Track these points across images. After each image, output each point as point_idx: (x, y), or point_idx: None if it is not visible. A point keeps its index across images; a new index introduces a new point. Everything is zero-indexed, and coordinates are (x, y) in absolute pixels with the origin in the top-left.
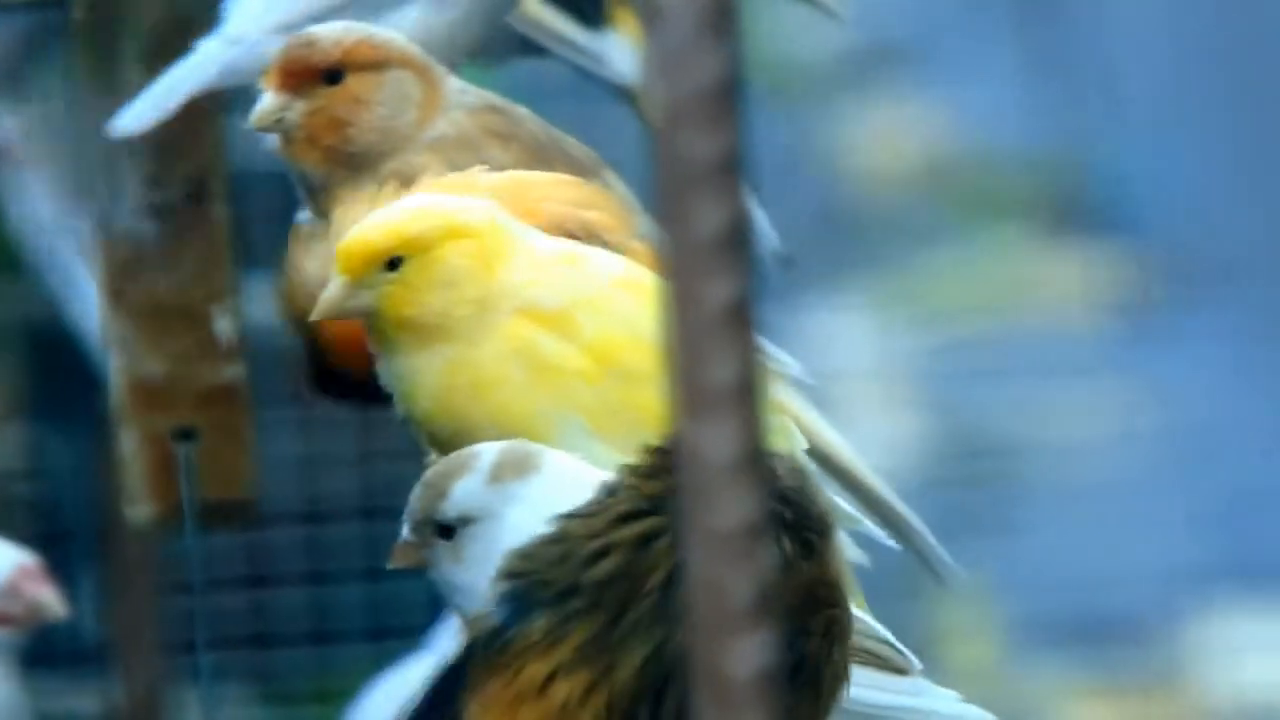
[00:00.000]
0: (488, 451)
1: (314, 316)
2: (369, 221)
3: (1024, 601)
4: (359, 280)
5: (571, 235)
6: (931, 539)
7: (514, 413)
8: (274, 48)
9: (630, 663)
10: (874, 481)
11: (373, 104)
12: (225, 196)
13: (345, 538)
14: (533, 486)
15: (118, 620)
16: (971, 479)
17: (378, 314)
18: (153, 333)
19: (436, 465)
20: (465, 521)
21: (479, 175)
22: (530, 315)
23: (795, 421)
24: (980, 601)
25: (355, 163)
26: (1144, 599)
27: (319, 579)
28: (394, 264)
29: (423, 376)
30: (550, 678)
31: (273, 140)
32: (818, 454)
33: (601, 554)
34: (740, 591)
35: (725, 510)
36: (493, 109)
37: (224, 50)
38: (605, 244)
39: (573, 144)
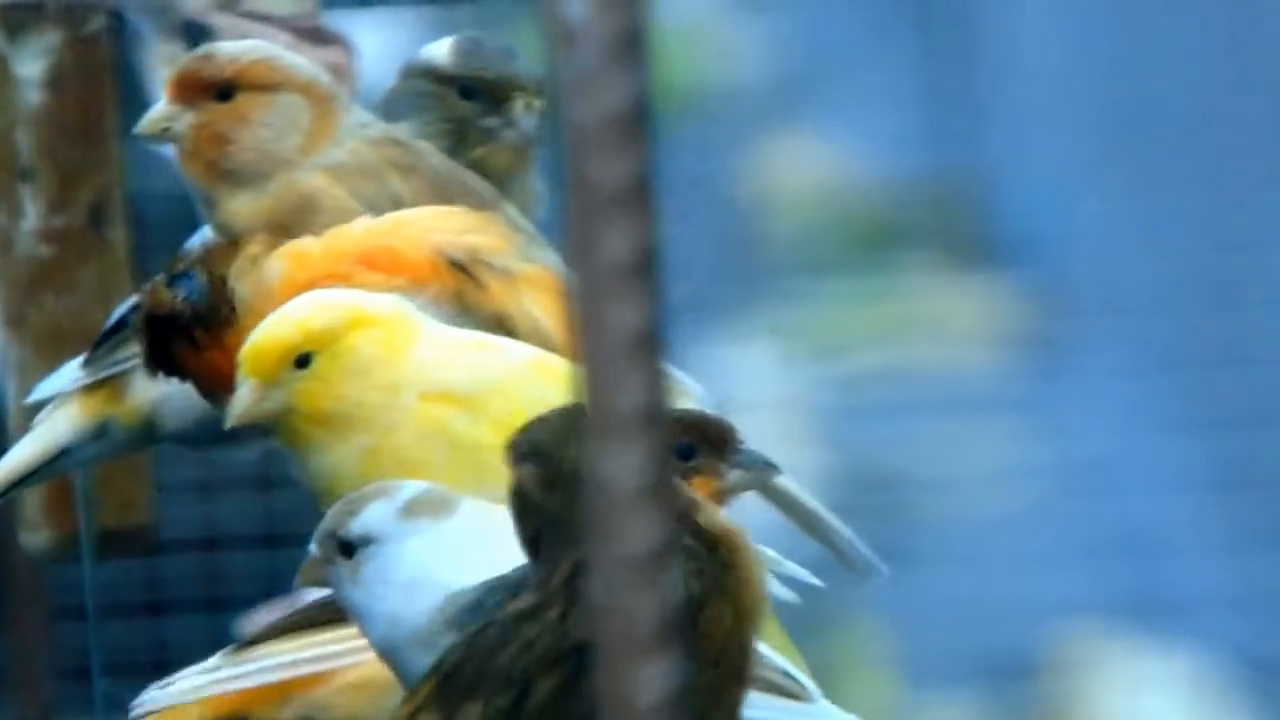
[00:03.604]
0: (411, 487)
1: (229, 423)
2: (271, 322)
3: (922, 636)
4: (270, 381)
5: (455, 262)
6: (850, 534)
7: None
8: None
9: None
10: (788, 483)
11: (256, 124)
12: (125, 220)
13: (245, 565)
14: (442, 528)
15: (11, 648)
16: (869, 512)
17: (291, 411)
18: (51, 356)
19: (364, 489)
20: (365, 542)
21: (354, 226)
22: (441, 398)
23: None
24: (878, 636)
25: (235, 179)
26: (1041, 634)
27: (218, 606)
28: (303, 361)
29: (342, 469)
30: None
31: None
32: None
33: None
34: (646, 617)
35: (632, 536)
36: (395, 142)
37: None
38: (490, 266)
39: (471, 177)
